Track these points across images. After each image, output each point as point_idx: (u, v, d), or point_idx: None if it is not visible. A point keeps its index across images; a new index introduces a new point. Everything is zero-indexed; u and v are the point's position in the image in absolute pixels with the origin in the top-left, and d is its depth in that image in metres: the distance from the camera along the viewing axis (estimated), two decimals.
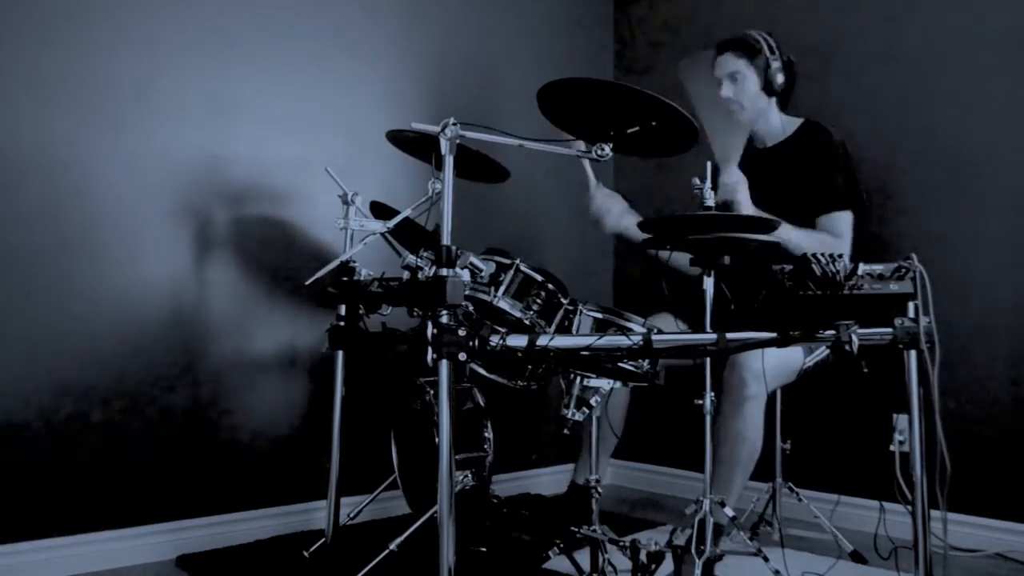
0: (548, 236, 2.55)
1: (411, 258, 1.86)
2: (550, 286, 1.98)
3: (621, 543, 1.88)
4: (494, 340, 1.56)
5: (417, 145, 2.20)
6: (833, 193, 2.53)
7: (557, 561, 2.14)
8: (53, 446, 2.23)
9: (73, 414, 2.26)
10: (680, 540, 1.99)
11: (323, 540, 2.29)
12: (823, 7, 2.99)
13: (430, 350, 1.51)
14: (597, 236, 2.70)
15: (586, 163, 2.42)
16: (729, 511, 2.06)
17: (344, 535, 2.32)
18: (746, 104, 2.58)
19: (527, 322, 1.93)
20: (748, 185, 2.41)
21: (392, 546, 2.08)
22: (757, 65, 2.57)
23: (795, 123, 2.67)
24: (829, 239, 2.46)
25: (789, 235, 2.33)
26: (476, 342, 1.52)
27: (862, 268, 1.60)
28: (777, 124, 2.65)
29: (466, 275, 1.55)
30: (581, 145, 1.75)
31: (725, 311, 2.09)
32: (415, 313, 2.02)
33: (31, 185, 2.21)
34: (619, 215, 2.52)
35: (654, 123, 1.72)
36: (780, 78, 2.58)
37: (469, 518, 2.30)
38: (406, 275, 1.91)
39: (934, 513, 1.67)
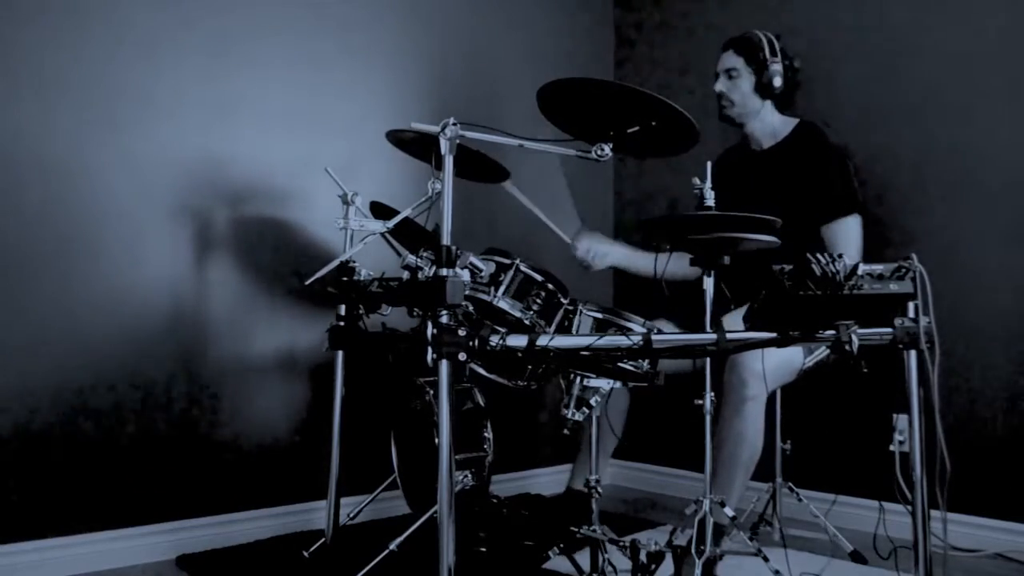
0: (548, 236, 2.55)
1: (411, 258, 1.86)
2: (550, 286, 1.98)
3: (621, 543, 1.88)
4: (494, 340, 1.56)
5: (417, 145, 2.20)
6: (836, 198, 2.49)
7: (557, 561, 2.14)
8: (53, 446, 2.23)
9: (73, 414, 2.26)
10: (680, 540, 1.99)
11: (323, 540, 2.29)
12: (825, 8, 2.99)
13: (430, 350, 1.51)
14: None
15: (554, 226, 2.54)
16: (729, 511, 2.05)
17: (344, 535, 2.32)
18: (736, 101, 2.61)
19: (527, 322, 1.93)
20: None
21: (392, 546, 2.08)
22: (754, 65, 2.56)
23: (790, 124, 2.64)
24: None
25: None
26: (476, 342, 1.53)
27: (862, 268, 1.60)
28: (773, 126, 2.64)
29: (466, 275, 1.55)
30: None
31: (725, 312, 2.08)
32: (415, 313, 2.03)
33: (31, 185, 2.21)
34: (604, 254, 2.62)
35: (654, 123, 1.72)
36: (778, 81, 2.56)
37: (469, 518, 2.30)
38: (406, 275, 1.91)
39: (934, 513, 1.66)
